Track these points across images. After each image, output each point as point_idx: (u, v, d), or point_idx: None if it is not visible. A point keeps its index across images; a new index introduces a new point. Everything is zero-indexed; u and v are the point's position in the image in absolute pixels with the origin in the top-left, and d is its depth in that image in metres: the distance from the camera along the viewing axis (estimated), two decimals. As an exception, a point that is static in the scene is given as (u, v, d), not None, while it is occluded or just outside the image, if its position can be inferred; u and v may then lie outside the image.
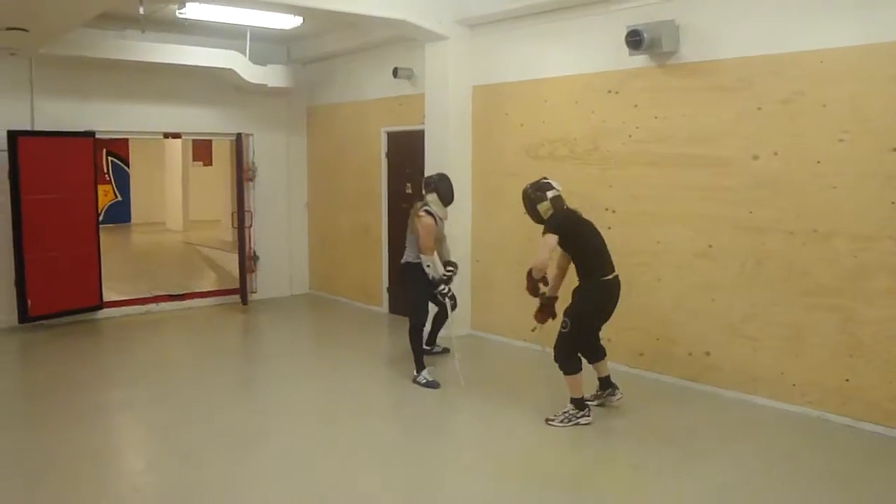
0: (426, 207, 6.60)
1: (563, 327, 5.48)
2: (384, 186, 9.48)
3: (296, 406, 6.15)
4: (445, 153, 8.07)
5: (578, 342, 5.56)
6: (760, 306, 5.87)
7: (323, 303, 10.43)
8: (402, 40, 8.57)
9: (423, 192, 6.74)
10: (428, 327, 7.00)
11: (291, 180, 10.74)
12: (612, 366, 6.74)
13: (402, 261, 6.78)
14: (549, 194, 5.49)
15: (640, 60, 6.41)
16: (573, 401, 5.54)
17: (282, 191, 10.62)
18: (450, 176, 6.80)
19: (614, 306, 5.55)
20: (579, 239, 5.48)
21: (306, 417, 5.86)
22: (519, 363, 7.20)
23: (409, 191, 9.09)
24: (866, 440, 5.23)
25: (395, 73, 8.79)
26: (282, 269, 10.68)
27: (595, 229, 5.61)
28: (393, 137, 9.36)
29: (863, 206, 5.27)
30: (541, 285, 5.60)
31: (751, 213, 5.85)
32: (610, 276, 5.48)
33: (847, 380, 5.45)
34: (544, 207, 5.49)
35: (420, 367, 6.63)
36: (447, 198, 6.69)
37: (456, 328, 8.09)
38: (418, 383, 6.57)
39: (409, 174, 9.00)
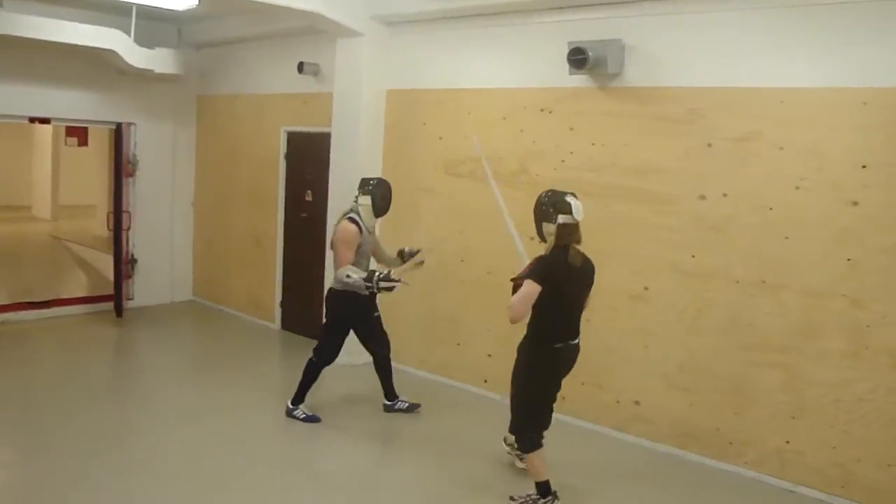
0: (351, 214, 5.74)
1: (511, 398, 4.69)
2: (281, 191, 8.63)
3: (171, 461, 5.16)
4: (353, 161, 7.32)
5: (536, 416, 4.65)
6: (699, 357, 5.44)
7: (207, 314, 9.47)
8: (311, 32, 7.74)
9: (357, 194, 5.80)
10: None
11: (177, 176, 9.70)
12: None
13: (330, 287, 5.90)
14: (560, 219, 4.37)
15: (578, 79, 5.85)
16: (537, 485, 4.64)
17: (166, 187, 9.57)
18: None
19: (567, 374, 4.69)
20: (555, 297, 4.33)
21: (183, 478, 4.91)
22: (433, 402, 6.49)
23: (309, 198, 8.30)
24: (806, 508, 4.91)
25: (301, 67, 7.96)
26: (163, 273, 9.65)
27: (584, 281, 4.57)
28: (294, 138, 8.52)
29: (817, 259, 4.89)
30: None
31: (693, 256, 5.40)
32: (563, 344, 4.50)
33: (788, 442, 5.08)
34: (548, 230, 4.42)
35: (301, 398, 5.95)
36: (381, 206, 5.77)
37: (356, 354, 7.46)
38: (294, 417, 5.91)
39: (311, 180, 8.20)
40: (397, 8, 6.93)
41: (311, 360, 5.93)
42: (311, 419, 5.91)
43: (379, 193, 5.75)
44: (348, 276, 5.49)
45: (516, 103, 6.37)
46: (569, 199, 4.41)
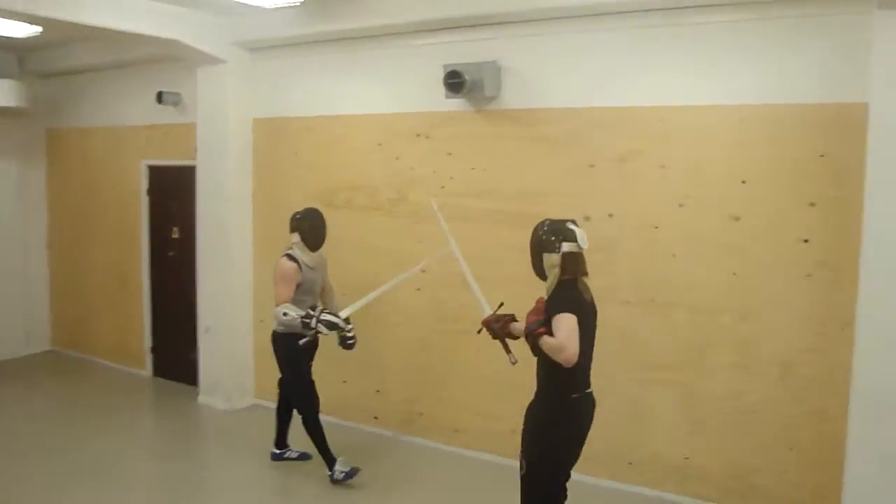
0: (288, 251, 5.37)
1: (521, 469, 4.01)
2: (145, 229, 8.08)
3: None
4: (221, 194, 6.98)
5: (552, 487, 3.98)
6: (592, 380, 5.33)
7: (69, 364, 8.72)
8: (170, 59, 7.28)
9: (289, 232, 5.47)
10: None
11: (28, 217, 8.96)
12: (423, 443, 6.10)
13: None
14: (565, 247, 3.81)
15: (455, 103, 5.71)
16: None
17: (15, 229, 8.82)
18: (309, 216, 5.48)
19: (587, 431, 3.95)
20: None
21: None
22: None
23: (176, 235, 7.81)
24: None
25: (160, 97, 7.46)
26: (14, 323, 8.84)
27: (594, 318, 3.93)
28: (157, 172, 8.00)
29: (703, 276, 4.92)
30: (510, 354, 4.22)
31: (581, 278, 5.34)
32: (580, 394, 3.86)
33: (687, 458, 5.09)
34: (550, 262, 3.82)
35: (330, 460, 5.43)
36: (311, 239, 5.37)
37: (237, 398, 7.08)
38: (338, 481, 5.38)
39: (178, 216, 7.73)
40: (260, 33, 6.60)
41: (301, 420, 5.48)
42: (350, 474, 5.41)
43: (306, 226, 5.39)
44: (285, 314, 5.11)
45: (391, 129, 6.17)
46: (571, 226, 3.90)
